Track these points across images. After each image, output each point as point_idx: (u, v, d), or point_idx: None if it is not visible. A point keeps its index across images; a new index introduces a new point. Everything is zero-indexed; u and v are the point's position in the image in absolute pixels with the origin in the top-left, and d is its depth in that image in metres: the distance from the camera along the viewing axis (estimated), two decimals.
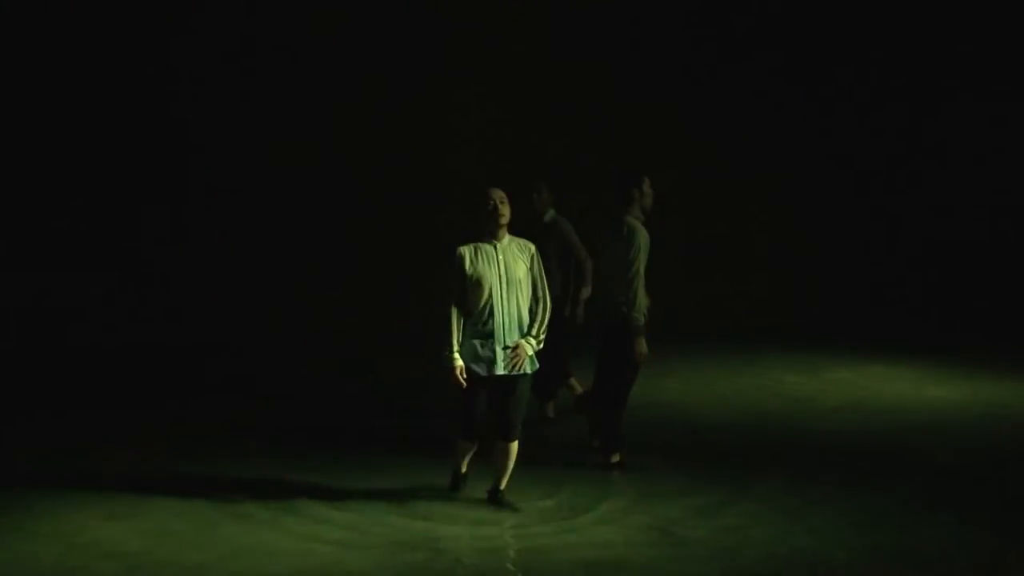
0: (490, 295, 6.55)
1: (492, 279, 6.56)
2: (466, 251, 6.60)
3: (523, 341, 6.63)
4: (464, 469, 7.09)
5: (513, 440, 6.76)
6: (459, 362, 6.52)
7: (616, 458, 7.76)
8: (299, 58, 13.48)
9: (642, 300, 7.65)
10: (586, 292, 8.69)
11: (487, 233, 6.63)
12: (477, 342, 6.57)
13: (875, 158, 15.21)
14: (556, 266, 8.64)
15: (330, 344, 12.62)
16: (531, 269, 6.71)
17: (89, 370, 11.30)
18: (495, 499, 6.89)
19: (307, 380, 11.00)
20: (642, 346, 7.56)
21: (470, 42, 13.92)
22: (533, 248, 6.76)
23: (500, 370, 6.60)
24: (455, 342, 6.54)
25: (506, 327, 6.59)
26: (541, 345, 6.73)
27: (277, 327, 12.92)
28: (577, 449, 8.13)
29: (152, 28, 13.05)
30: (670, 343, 11.02)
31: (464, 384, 6.53)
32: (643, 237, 7.67)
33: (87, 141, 12.92)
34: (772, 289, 14.86)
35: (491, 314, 6.56)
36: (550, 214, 8.83)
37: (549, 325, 6.82)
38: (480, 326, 6.57)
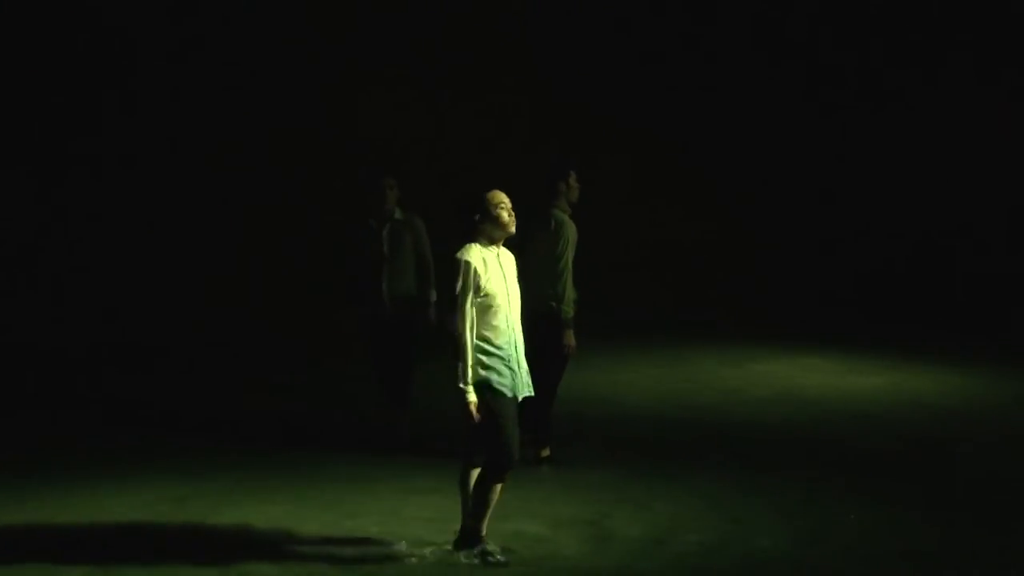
0: (499, 308, 5.76)
1: (501, 290, 5.79)
2: (474, 260, 5.71)
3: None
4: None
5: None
6: (473, 396, 5.64)
7: (546, 452, 7.77)
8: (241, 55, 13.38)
9: (570, 293, 7.68)
10: (433, 295, 8.18)
11: (485, 238, 5.80)
12: (497, 361, 5.74)
13: (814, 153, 15.35)
14: (412, 265, 8.19)
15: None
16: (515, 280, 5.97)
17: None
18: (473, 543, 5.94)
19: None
20: (570, 339, 7.59)
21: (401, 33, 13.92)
22: (512, 256, 6.04)
23: (524, 392, 5.85)
24: (470, 372, 5.66)
25: (515, 343, 5.83)
26: None
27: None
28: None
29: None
30: (599, 336, 11.06)
31: (481, 415, 5.67)
32: (570, 230, 7.70)
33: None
34: (701, 281, 14.97)
35: (503, 330, 5.76)
36: (399, 211, 8.24)
37: None
38: (493, 344, 5.73)
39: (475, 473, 5.89)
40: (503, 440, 5.70)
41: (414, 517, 6.61)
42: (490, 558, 5.81)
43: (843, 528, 6.41)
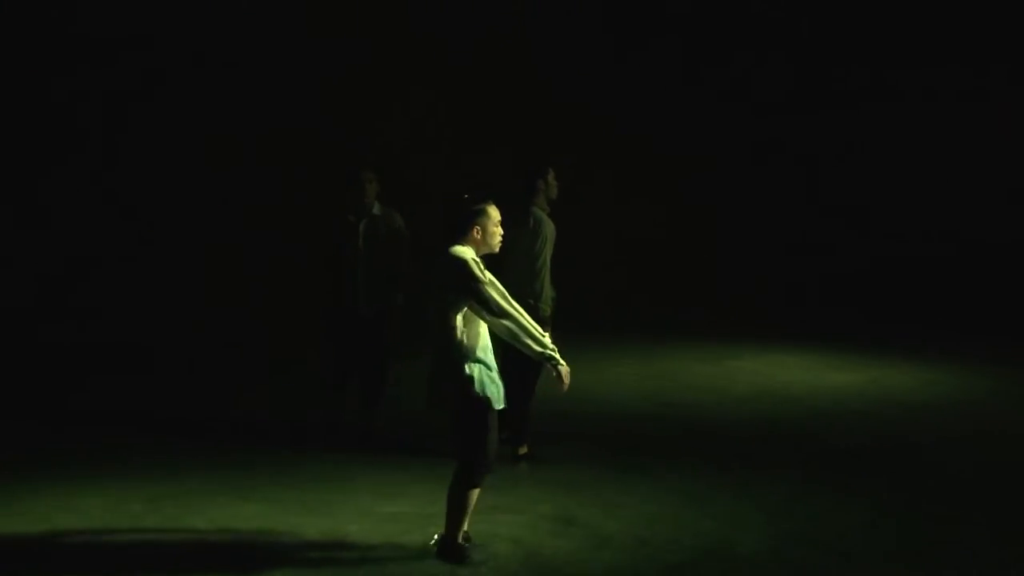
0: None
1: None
2: (476, 261, 5.70)
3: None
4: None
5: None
6: (562, 361, 5.71)
7: (523, 450, 7.76)
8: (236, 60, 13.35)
9: (548, 291, 7.68)
10: (400, 298, 8.10)
11: (473, 247, 5.76)
12: (489, 372, 5.71)
13: (795, 151, 15.39)
14: (389, 261, 8.06)
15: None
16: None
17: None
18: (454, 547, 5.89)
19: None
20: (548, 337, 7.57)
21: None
22: None
23: (502, 404, 5.80)
24: (535, 344, 5.69)
25: (495, 355, 5.86)
26: None
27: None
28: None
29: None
30: (577, 334, 11.03)
31: (470, 419, 5.67)
32: (549, 228, 7.70)
33: None
34: (679, 279, 14.99)
35: (489, 341, 5.77)
36: (378, 206, 8.11)
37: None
38: (483, 351, 5.72)
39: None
40: (487, 447, 5.70)
41: (391, 516, 6.58)
42: (467, 557, 5.79)
43: (822, 525, 6.41)
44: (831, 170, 15.39)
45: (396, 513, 6.64)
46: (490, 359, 5.77)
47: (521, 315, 5.71)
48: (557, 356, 5.74)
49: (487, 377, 5.70)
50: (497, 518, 6.48)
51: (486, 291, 5.62)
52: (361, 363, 8.18)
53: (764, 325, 13.50)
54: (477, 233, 5.77)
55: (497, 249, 5.89)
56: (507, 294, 5.73)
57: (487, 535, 6.17)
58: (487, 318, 5.69)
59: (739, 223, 15.42)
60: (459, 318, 5.65)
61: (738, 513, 6.63)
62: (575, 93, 14.64)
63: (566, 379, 5.76)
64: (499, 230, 5.85)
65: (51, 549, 6.10)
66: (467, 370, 5.63)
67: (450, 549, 5.79)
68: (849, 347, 12.09)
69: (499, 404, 5.75)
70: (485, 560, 5.80)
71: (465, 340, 5.66)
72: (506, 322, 5.67)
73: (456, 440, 5.78)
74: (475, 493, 5.78)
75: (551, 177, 7.79)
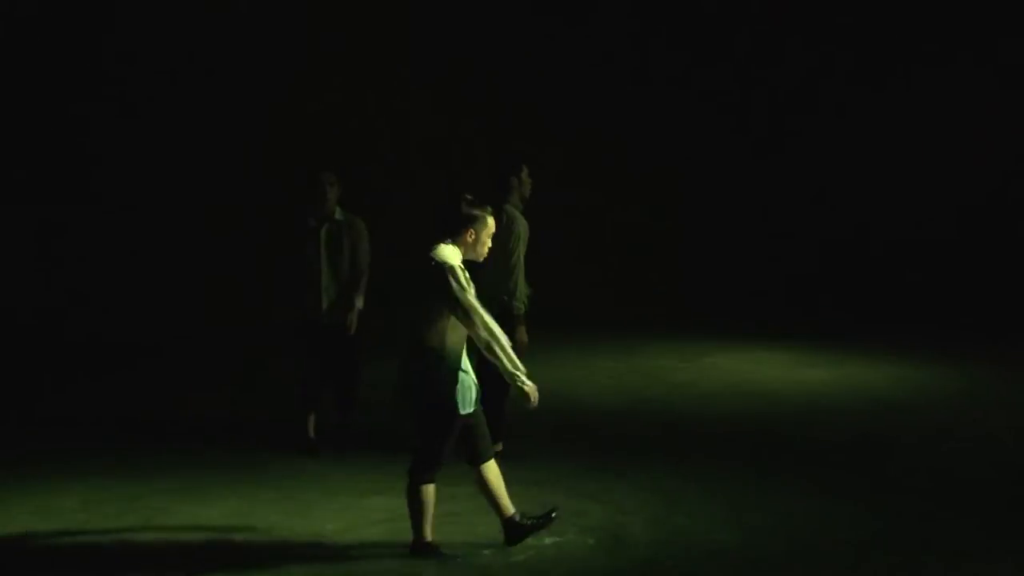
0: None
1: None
2: (460, 263, 5.71)
3: None
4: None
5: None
6: (531, 383, 5.71)
7: (498, 447, 7.74)
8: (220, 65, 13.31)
9: (522, 288, 7.69)
10: (360, 302, 7.95)
11: (462, 249, 5.78)
12: (465, 376, 5.74)
13: (762, 152, 15.44)
14: (350, 267, 7.90)
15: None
16: None
17: None
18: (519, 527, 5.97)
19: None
20: (522, 335, 7.59)
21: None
22: None
23: (475, 407, 5.84)
24: (508, 361, 5.65)
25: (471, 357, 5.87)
26: None
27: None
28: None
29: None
30: (550, 331, 11.06)
31: (434, 421, 5.73)
32: (522, 225, 7.71)
33: None
34: (650, 276, 15.03)
35: (467, 342, 5.78)
36: (339, 211, 7.91)
37: None
38: (463, 356, 5.76)
39: (488, 468, 5.87)
40: (441, 450, 5.76)
41: (367, 515, 6.59)
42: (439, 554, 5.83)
43: (794, 520, 6.47)
44: (803, 164, 15.43)
45: (372, 512, 6.65)
46: (467, 363, 5.79)
47: (497, 329, 5.67)
48: (524, 377, 5.70)
49: (465, 383, 5.72)
50: (473, 518, 6.50)
51: (471, 302, 5.61)
52: (331, 373, 7.99)
53: (738, 322, 13.55)
54: (470, 237, 5.77)
55: (482, 259, 5.90)
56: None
57: (460, 533, 6.19)
58: (470, 329, 5.66)
59: (712, 220, 15.46)
60: (444, 323, 5.64)
61: (710, 509, 6.68)
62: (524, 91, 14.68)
63: (533, 397, 5.74)
64: (489, 241, 5.85)
65: (27, 551, 6.09)
66: (449, 376, 5.65)
67: (421, 549, 5.81)
68: (822, 344, 12.15)
69: (469, 408, 5.77)
70: (456, 556, 5.82)
71: (448, 345, 5.66)
72: (483, 334, 5.64)
73: (418, 437, 5.79)
74: (430, 489, 5.79)
75: (525, 174, 7.78)
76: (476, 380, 5.86)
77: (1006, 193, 14.87)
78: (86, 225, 13.07)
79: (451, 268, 5.63)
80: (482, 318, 5.64)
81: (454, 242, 5.76)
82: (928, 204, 14.97)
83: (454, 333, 5.69)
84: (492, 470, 5.89)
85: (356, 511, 6.68)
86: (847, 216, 15.32)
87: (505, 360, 5.68)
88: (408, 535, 5.91)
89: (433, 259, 5.67)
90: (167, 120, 13.32)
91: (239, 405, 9.58)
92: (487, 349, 5.68)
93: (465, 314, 5.63)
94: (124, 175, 13.23)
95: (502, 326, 7.51)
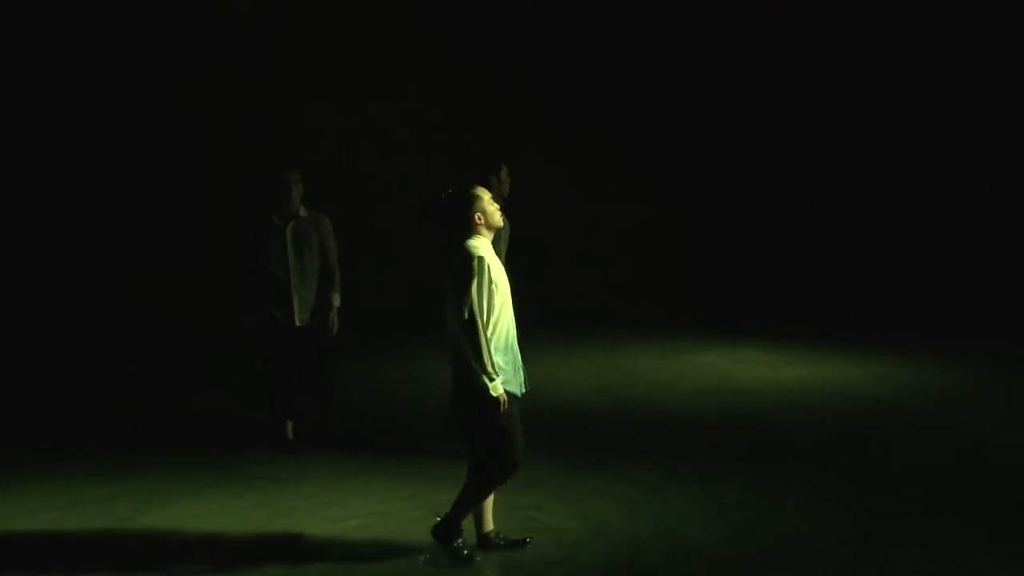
0: (505, 303, 5.69)
1: (504, 285, 5.72)
2: (485, 254, 5.64)
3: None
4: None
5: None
6: (502, 389, 5.60)
7: None
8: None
9: None
10: (337, 299, 7.89)
11: (485, 232, 5.74)
12: (505, 359, 5.67)
13: (745, 150, 15.44)
14: (321, 264, 7.81)
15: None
16: None
17: None
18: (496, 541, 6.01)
19: None
20: None
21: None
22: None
23: (525, 388, 5.83)
24: (490, 364, 5.54)
25: (516, 340, 5.79)
26: None
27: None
28: (441, 439, 8.07)
29: None
30: (532, 329, 11.04)
31: (486, 416, 5.63)
32: (501, 226, 7.67)
33: None
34: (635, 274, 15.03)
35: (507, 325, 5.70)
36: (303, 208, 7.81)
37: None
38: (502, 341, 5.66)
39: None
40: (508, 443, 5.65)
41: (346, 515, 6.57)
42: (459, 553, 5.79)
43: (777, 518, 6.46)
44: (789, 158, 15.43)
45: (351, 512, 6.63)
46: (513, 348, 5.71)
47: (488, 342, 5.54)
48: (497, 387, 5.55)
49: (504, 370, 5.63)
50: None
51: (472, 291, 5.50)
52: (306, 376, 7.88)
53: (720, 321, 13.56)
54: (480, 219, 5.72)
55: (501, 223, 5.86)
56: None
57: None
58: (453, 313, 5.55)
59: (696, 217, 15.47)
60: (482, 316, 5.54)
61: (691, 505, 6.68)
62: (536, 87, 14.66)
63: (503, 407, 5.59)
64: (495, 206, 5.81)
65: (5, 551, 6.05)
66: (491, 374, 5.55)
67: (448, 529, 5.75)
68: (803, 342, 12.17)
69: (518, 392, 5.73)
70: (470, 556, 5.79)
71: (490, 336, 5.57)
72: (469, 330, 5.51)
73: (479, 444, 5.71)
74: (491, 491, 5.81)
75: (504, 173, 7.73)
76: (522, 366, 5.78)
77: (998, 189, 14.90)
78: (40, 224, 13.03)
79: (472, 257, 5.56)
80: (474, 311, 5.50)
81: (474, 233, 5.70)
82: (925, 201, 15.00)
83: (498, 325, 5.61)
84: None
85: (335, 510, 6.65)
86: (831, 211, 15.31)
87: (486, 360, 5.53)
88: (386, 535, 5.91)
89: (462, 248, 5.63)
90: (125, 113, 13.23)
91: (214, 405, 9.53)
92: (469, 345, 5.52)
93: (460, 297, 5.51)
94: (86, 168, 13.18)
95: None
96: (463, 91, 14.40)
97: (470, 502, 5.80)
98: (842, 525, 6.38)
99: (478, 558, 5.83)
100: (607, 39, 14.89)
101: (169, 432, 8.63)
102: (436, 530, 5.80)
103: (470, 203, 5.72)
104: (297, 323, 7.76)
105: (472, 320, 5.51)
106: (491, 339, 5.58)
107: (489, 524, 5.99)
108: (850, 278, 14.98)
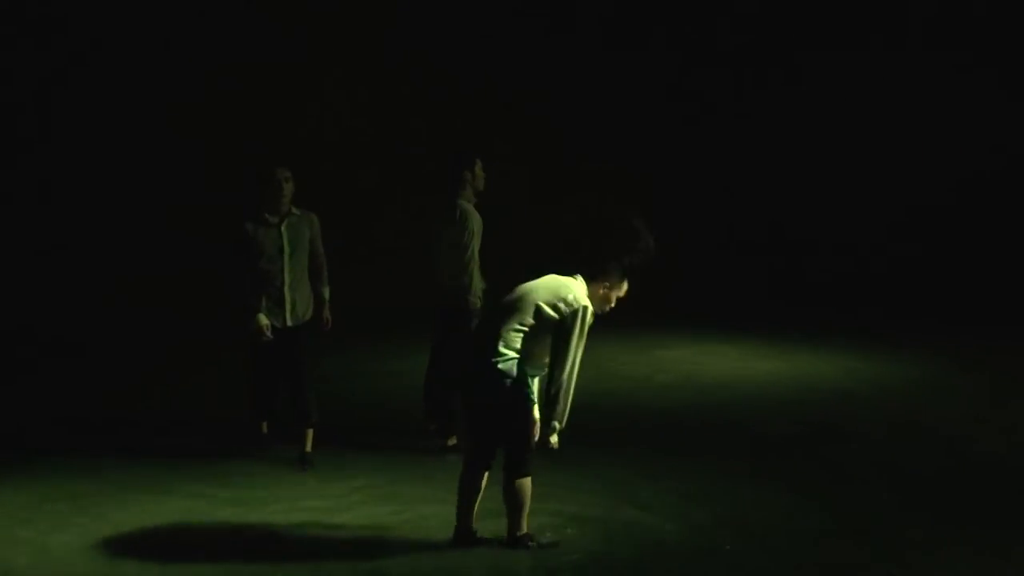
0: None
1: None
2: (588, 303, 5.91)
3: None
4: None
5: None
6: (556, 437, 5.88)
7: (452, 441, 7.75)
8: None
9: (477, 284, 7.67)
10: (327, 291, 7.80)
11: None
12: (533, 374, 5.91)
13: (720, 139, 15.49)
14: (311, 260, 7.70)
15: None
16: None
17: None
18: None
19: None
20: None
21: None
22: None
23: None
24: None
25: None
26: None
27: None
28: (413, 435, 8.06)
29: None
30: None
31: (519, 420, 5.87)
32: (476, 220, 7.68)
33: None
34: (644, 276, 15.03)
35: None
36: (293, 207, 7.66)
37: None
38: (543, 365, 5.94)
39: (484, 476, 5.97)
40: (532, 446, 5.85)
41: (322, 509, 6.56)
42: (543, 540, 5.94)
43: (748, 514, 6.49)
44: (758, 154, 15.51)
45: (327, 506, 6.62)
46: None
47: (573, 378, 5.78)
48: (555, 433, 5.83)
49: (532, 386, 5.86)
50: (424, 509, 6.49)
51: (574, 340, 5.73)
52: (288, 378, 7.74)
53: (692, 314, 13.60)
54: (603, 287, 5.93)
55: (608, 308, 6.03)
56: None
57: (415, 524, 6.20)
58: (557, 365, 5.73)
59: (665, 213, 15.48)
60: (544, 338, 5.75)
61: (664, 501, 6.70)
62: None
63: (536, 432, 5.83)
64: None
65: None
66: (524, 378, 5.77)
67: (519, 542, 5.89)
68: (775, 336, 12.23)
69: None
70: (556, 541, 5.96)
71: (534, 353, 5.77)
72: (565, 376, 5.74)
73: (506, 437, 5.86)
74: (528, 482, 5.88)
75: (478, 168, 7.72)
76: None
77: (971, 185, 15.03)
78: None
79: (584, 308, 5.74)
80: (574, 361, 5.75)
81: (588, 280, 5.89)
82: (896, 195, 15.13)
83: (541, 349, 5.77)
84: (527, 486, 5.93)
85: (311, 505, 6.64)
86: (802, 206, 15.40)
87: (563, 404, 5.77)
88: (357, 529, 5.90)
89: (571, 294, 5.77)
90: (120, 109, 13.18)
91: (189, 402, 9.47)
92: (557, 388, 5.74)
93: (565, 353, 5.71)
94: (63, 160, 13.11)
95: (457, 321, 7.58)
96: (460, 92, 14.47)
97: (516, 504, 5.90)
98: (811, 519, 6.41)
99: (569, 530, 6.07)
100: (605, 39, 14.96)
101: (141, 429, 8.55)
102: (511, 545, 5.90)
103: (617, 262, 5.96)
104: (289, 323, 7.66)
105: (572, 372, 5.72)
106: (540, 357, 5.80)
107: (472, 520, 6.00)
108: (822, 272, 15.07)
